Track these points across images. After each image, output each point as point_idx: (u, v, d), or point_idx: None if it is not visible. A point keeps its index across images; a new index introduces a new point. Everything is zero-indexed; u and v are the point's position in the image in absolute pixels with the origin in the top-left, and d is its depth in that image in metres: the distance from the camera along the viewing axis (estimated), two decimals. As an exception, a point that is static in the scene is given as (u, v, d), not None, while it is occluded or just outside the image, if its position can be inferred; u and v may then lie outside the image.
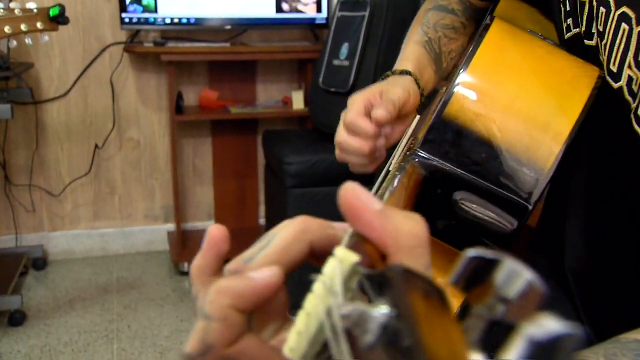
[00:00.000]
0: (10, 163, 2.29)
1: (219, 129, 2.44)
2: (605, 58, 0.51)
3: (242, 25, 2.30)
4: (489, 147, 0.53)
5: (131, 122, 2.38)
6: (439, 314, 0.17)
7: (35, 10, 1.49)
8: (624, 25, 0.47)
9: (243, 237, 2.46)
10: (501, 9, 0.75)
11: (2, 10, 1.44)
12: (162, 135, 2.42)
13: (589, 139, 0.53)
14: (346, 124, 0.63)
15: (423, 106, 0.72)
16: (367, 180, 1.75)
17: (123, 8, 2.14)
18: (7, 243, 2.31)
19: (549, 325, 0.15)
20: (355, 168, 0.67)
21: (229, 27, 2.26)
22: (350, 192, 0.24)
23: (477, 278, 0.19)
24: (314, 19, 2.32)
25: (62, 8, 1.52)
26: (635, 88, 0.47)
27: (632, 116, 0.47)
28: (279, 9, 2.28)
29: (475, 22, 0.79)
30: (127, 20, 2.15)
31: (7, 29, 1.44)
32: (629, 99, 0.48)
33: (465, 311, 0.18)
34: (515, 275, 0.18)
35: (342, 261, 0.21)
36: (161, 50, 2.14)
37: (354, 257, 0.21)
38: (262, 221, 2.53)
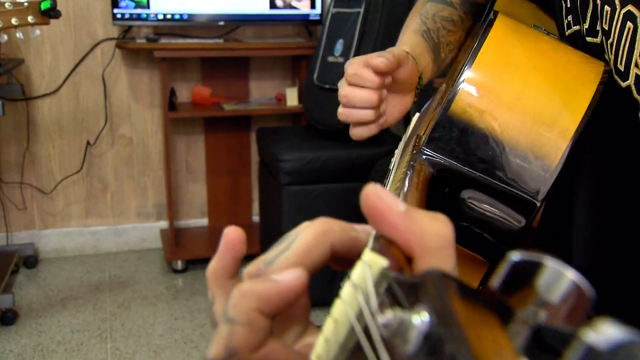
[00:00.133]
0: (0, 160, 2.26)
1: (212, 126, 2.43)
2: (612, 57, 0.50)
3: (235, 21, 2.28)
4: (495, 144, 0.52)
5: (123, 119, 2.36)
6: (483, 320, 0.17)
7: (26, 4, 1.47)
8: (629, 24, 0.47)
9: (236, 234, 2.44)
10: (500, 4, 0.75)
11: (-8, 5, 1.42)
12: (155, 132, 2.40)
13: (593, 136, 0.53)
14: (349, 77, 0.61)
15: (419, 94, 0.72)
16: (366, 176, 1.73)
17: (115, 3, 2.12)
18: (-2, 241, 2.29)
19: (609, 331, 0.14)
20: (358, 130, 0.65)
21: (222, 23, 2.25)
22: (373, 194, 0.23)
23: (519, 281, 0.18)
24: (307, 15, 2.31)
25: (54, 1, 1.49)
26: None
27: None
28: (273, 5, 2.27)
29: (472, 17, 0.79)
30: (118, 16, 2.13)
31: (-3, 24, 1.42)
32: (637, 97, 0.48)
33: (508, 315, 0.18)
34: (558, 277, 0.17)
35: (371, 265, 0.21)
36: (154, 46, 2.12)
37: (383, 261, 0.21)
38: (256, 218, 2.52)
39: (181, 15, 2.19)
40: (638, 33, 0.47)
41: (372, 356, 0.17)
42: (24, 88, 2.11)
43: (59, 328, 1.88)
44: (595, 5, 0.51)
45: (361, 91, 0.61)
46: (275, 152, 1.91)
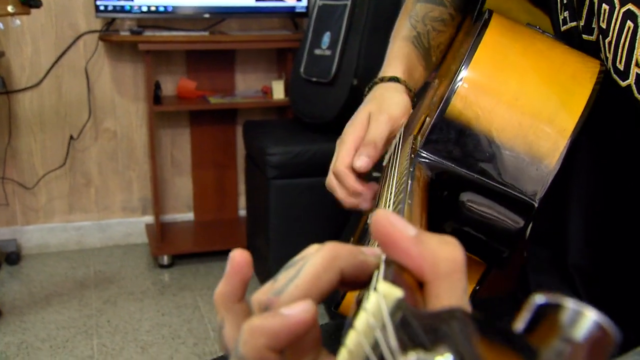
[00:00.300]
0: (-20, 155, 2.22)
1: (197, 119, 2.40)
2: (611, 56, 0.50)
3: (221, 13, 2.26)
4: (492, 146, 0.52)
5: (107, 113, 2.32)
6: None
7: (7, -5, 1.43)
8: (629, 23, 0.47)
9: (223, 228, 2.44)
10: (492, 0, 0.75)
11: (-29, -3, 1.38)
12: (139, 125, 2.37)
13: (590, 136, 0.53)
14: (334, 172, 0.65)
15: (413, 105, 0.72)
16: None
17: (97, -5, 2.08)
18: (-21, 237, 2.25)
19: None
20: None
21: (207, 16, 2.22)
22: (384, 220, 0.23)
23: (543, 322, 0.18)
24: (293, 8, 2.30)
25: (35, -8, 1.46)
26: None
27: None
28: (258, -3, 2.25)
29: (462, 13, 0.79)
30: (101, 8, 2.09)
31: (-23, 16, 1.38)
32: (639, 97, 0.48)
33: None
34: (580, 317, 0.18)
35: (385, 296, 0.21)
36: (138, 39, 2.09)
37: (397, 292, 0.21)
38: (242, 212, 2.51)
39: (165, 7, 2.15)
40: (638, 32, 0.47)
41: None
42: (4, 81, 2.06)
43: (44, 325, 1.86)
44: (591, 3, 0.51)
45: (340, 191, 0.66)
46: (262, 146, 1.90)
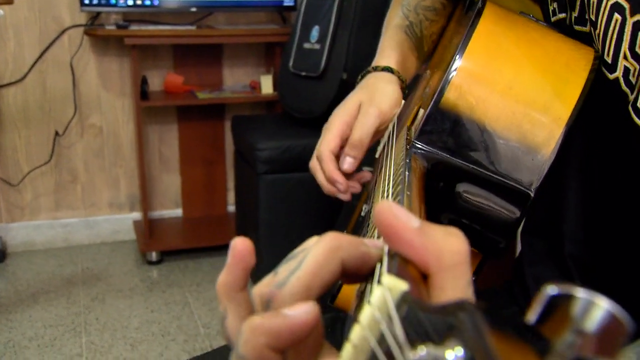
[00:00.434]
0: (-37, 152, 2.18)
1: (185, 115, 2.38)
2: (599, 48, 0.50)
3: (208, 7, 2.23)
4: (487, 135, 0.52)
5: (93, 108, 2.29)
6: (519, 354, 0.16)
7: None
8: (616, 15, 0.47)
9: (211, 224, 2.42)
10: None
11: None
12: (126, 121, 2.34)
13: (582, 126, 0.53)
14: (317, 154, 0.66)
15: (405, 96, 0.72)
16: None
17: (82, -12, 2.04)
18: (-37, 235, 2.21)
19: None
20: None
21: (193, 10, 2.20)
22: (387, 211, 0.23)
23: (555, 313, 0.18)
24: (281, 1, 2.28)
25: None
26: (632, 79, 0.47)
27: (631, 108, 0.47)
28: (246, -9, 2.23)
29: (454, 2, 0.78)
30: (86, 2, 2.06)
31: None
32: (626, 90, 0.48)
33: (543, 347, 0.17)
34: (592, 307, 0.17)
35: (391, 289, 0.20)
36: (124, 33, 2.06)
37: (402, 285, 0.20)
38: (231, 208, 2.49)
39: (151, 1, 2.13)
40: (626, 25, 0.46)
41: None
42: (-13, 76, 2.03)
43: (31, 323, 1.84)
44: None
45: (320, 176, 0.66)
46: (251, 141, 1.89)
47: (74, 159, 2.32)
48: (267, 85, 2.26)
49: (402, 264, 0.22)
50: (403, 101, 0.80)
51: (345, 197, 0.66)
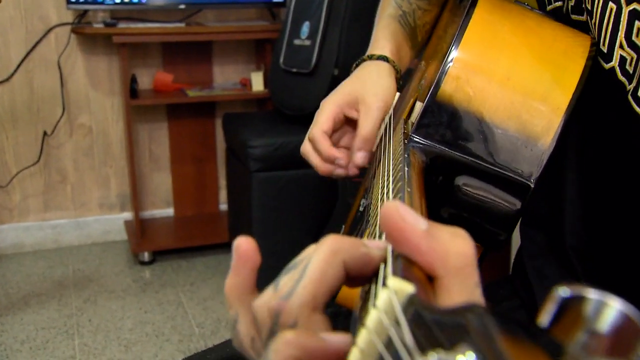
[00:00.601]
0: (-51, 153, 2.14)
1: (175, 113, 2.36)
2: (595, 37, 0.50)
3: (197, 4, 2.21)
4: (485, 127, 0.51)
5: (81, 107, 2.27)
6: (533, 358, 0.16)
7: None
8: (611, 4, 0.47)
9: (204, 223, 2.40)
10: None
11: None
12: (115, 120, 2.32)
13: (579, 116, 0.52)
14: (309, 137, 0.63)
15: (400, 87, 0.71)
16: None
17: (68, -14, 2.02)
18: (-49, 238, 2.18)
19: None
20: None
21: (182, 7, 2.18)
22: (394, 213, 0.22)
23: (567, 315, 0.18)
24: (271, -2, 2.27)
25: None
26: (629, 68, 0.47)
27: (630, 97, 0.47)
28: (235, -13, 2.21)
29: None
30: (73, 0, 2.03)
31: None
32: (623, 79, 0.47)
33: (556, 350, 0.17)
34: (605, 308, 0.17)
35: (397, 292, 0.20)
36: (112, 31, 2.04)
37: (409, 288, 0.20)
38: (223, 207, 2.48)
39: (139, -2, 2.10)
40: (622, 14, 0.46)
41: None
42: (-27, 76, 2.00)
43: (22, 326, 1.81)
44: None
45: (314, 158, 0.64)
46: (243, 139, 1.88)
47: (63, 159, 2.29)
48: (257, 83, 2.24)
49: (407, 265, 0.22)
50: (398, 93, 0.79)
51: (343, 172, 0.63)
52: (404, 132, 0.56)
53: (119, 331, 1.79)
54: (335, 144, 0.65)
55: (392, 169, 0.49)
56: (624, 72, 0.47)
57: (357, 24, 1.81)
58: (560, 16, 0.55)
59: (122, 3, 2.09)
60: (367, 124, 0.62)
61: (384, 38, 0.69)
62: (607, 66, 0.49)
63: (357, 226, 0.67)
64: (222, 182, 2.46)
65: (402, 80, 0.72)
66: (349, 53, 1.81)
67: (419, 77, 0.72)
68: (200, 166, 2.44)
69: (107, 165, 2.35)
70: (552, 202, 0.58)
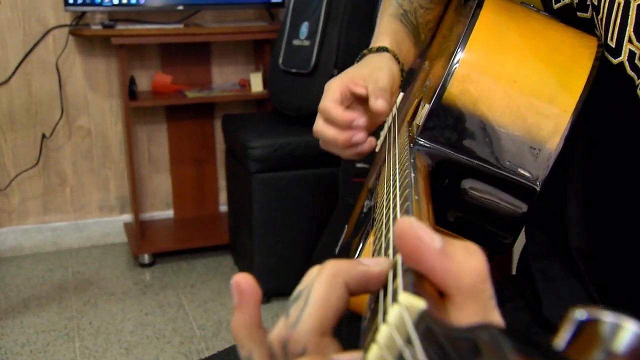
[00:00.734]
0: (-52, 156, 2.14)
1: (174, 114, 2.36)
2: (602, 33, 0.50)
3: (195, 5, 2.21)
4: (491, 131, 0.51)
5: (80, 110, 2.26)
6: None
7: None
8: None
9: (204, 225, 2.40)
10: None
11: None
12: (114, 122, 2.31)
13: (585, 115, 0.52)
14: (320, 111, 0.60)
15: (405, 82, 0.70)
16: (337, 162, 1.69)
17: (66, -12, 2.01)
18: (-50, 242, 2.17)
19: None
20: (342, 155, 0.64)
21: (180, 8, 2.17)
22: (410, 232, 0.22)
23: (582, 337, 0.18)
24: (269, -2, 2.26)
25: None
26: (639, 63, 0.46)
27: (639, 92, 0.46)
28: (233, -12, 2.20)
29: None
30: (71, 1, 2.02)
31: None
32: (632, 74, 0.47)
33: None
34: (620, 330, 0.17)
35: (408, 308, 0.20)
36: (110, 33, 2.03)
37: (420, 303, 0.20)
38: (223, 208, 2.47)
39: (137, -1, 2.10)
40: (630, 8, 0.46)
41: None
42: (-29, 79, 1.99)
43: (22, 329, 1.81)
44: None
45: (328, 130, 0.60)
46: (243, 140, 1.87)
47: (62, 161, 2.28)
48: (256, 83, 2.24)
49: (418, 280, 0.22)
50: (402, 93, 0.78)
51: (363, 137, 0.59)
52: (409, 135, 0.55)
53: (120, 334, 1.79)
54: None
55: (399, 173, 0.48)
56: (633, 66, 0.47)
57: (356, 24, 1.81)
58: (567, 14, 0.54)
59: (120, 4, 2.09)
60: (376, 82, 0.59)
61: (384, 34, 0.69)
62: (615, 61, 0.48)
63: (361, 227, 0.67)
64: (222, 183, 2.46)
65: (406, 77, 0.71)
66: (348, 53, 1.80)
67: (423, 77, 0.72)
68: (199, 167, 2.44)
69: (106, 167, 2.34)
70: (555, 203, 0.58)
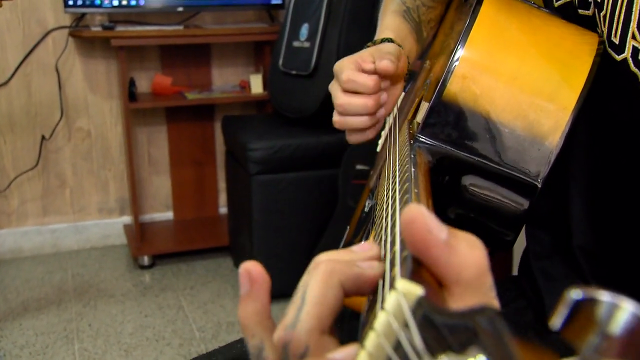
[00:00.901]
0: (-53, 158, 2.13)
1: (174, 116, 2.35)
2: (606, 30, 0.49)
3: (194, 6, 2.21)
4: (492, 127, 0.51)
5: (80, 111, 2.26)
6: None
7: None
8: None
9: (203, 227, 2.39)
10: None
11: None
12: (114, 124, 2.31)
13: (587, 112, 0.52)
14: (344, 83, 0.58)
15: (406, 80, 0.70)
16: (337, 164, 1.69)
17: (66, -11, 2.01)
18: (-51, 244, 2.17)
19: None
20: (354, 136, 0.62)
21: (180, 9, 2.17)
22: (420, 220, 0.22)
23: (579, 317, 0.18)
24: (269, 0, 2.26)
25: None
26: None
27: None
28: (233, -10, 2.20)
29: None
30: (70, 3, 2.02)
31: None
32: (635, 70, 0.47)
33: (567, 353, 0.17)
34: (617, 310, 0.17)
35: (405, 294, 0.20)
36: (110, 35, 2.03)
37: (418, 290, 0.20)
38: (222, 210, 2.47)
39: (137, 1, 2.10)
40: (634, 4, 0.46)
41: None
42: (-30, 81, 1.99)
43: (22, 331, 1.80)
44: None
45: (357, 98, 0.58)
46: (243, 141, 1.87)
47: (61, 163, 2.28)
48: (256, 85, 2.24)
49: (416, 267, 0.22)
50: (403, 93, 0.78)
51: (390, 105, 0.59)
52: (409, 133, 0.55)
53: (119, 336, 1.78)
54: None
55: (399, 170, 0.48)
56: (637, 62, 0.47)
57: (356, 25, 1.80)
58: (569, 11, 0.54)
59: (120, 6, 2.09)
60: (385, 50, 0.59)
61: (388, 29, 0.69)
62: (618, 58, 0.48)
63: (362, 227, 0.66)
64: (222, 185, 2.45)
65: (407, 78, 0.71)
66: (349, 54, 1.80)
67: (423, 77, 0.72)
68: (199, 169, 2.43)
69: (106, 169, 2.34)
70: (557, 201, 0.57)
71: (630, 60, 0.47)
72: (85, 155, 2.30)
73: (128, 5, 2.10)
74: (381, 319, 0.20)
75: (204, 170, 2.44)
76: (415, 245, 0.22)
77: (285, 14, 2.09)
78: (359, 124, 0.59)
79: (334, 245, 0.74)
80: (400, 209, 0.31)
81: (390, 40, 0.65)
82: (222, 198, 2.47)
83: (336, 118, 0.60)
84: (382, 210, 0.45)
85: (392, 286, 0.21)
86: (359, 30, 1.80)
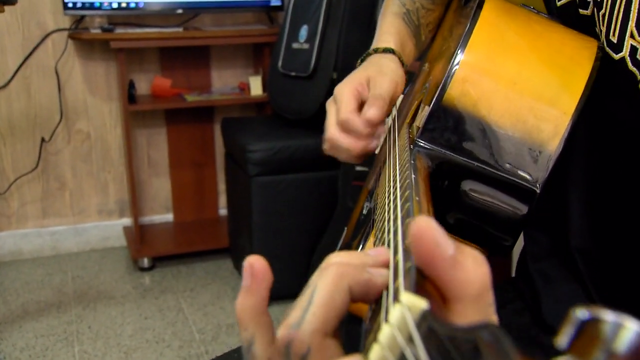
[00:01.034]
0: (-53, 161, 2.13)
1: (173, 118, 2.36)
2: (604, 29, 0.50)
3: (194, 8, 2.21)
4: (491, 132, 0.51)
5: (79, 113, 2.26)
6: None
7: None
8: None
9: (203, 228, 2.40)
10: None
11: None
12: (113, 126, 2.31)
13: (587, 113, 0.52)
14: (340, 121, 0.59)
15: (405, 80, 0.70)
16: (337, 165, 1.69)
17: (65, -8, 2.01)
18: (-51, 246, 2.17)
19: None
20: (343, 160, 0.64)
21: (180, 11, 2.17)
22: (429, 234, 0.22)
23: (584, 336, 0.18)
24: (268, 1, 2.26)
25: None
26: None
27: None
28: (232, -8, 2.21)
29: None
30: (70, 5, 2.02)
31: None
32: (634, 69, 0.47)
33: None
34: (621, 329, 0.17)
35: (410, 308, 0.20)
36: (110, 37, 2.03)
37: (422, 303, 0.20)
38: (222, 212, 2.47)
39: (136, 3, 2.10)
40: (633, 3, 0.46)
41: None
42: (-30, 83, 1.99)
43: (22, 334, 1.80)
44: None
45: (347, 140, 0.59)
46: (242, 143, 1.87)
47: (61, 165, 2.28)
48: (256, 87, 2.24)
49: (420, 280, 0.22)
50: (401, 95, 0.78)
51: (376, 142, 0.59)
52: (409, 137, 0.55)
53: (119, 338, 1.78)
54: None
55: (399, 175, 0.48)
56: (635, 61, 0.47)
57: (356, 27, 1.81)
58: (568, 12, 0.54)
59: (119, 8, 2.09)
60: (375, 89, 0.59)
61: (388, 33, 0.69)
62: (617, 57, 0.48)
63: (360, 229, 0.66)
64: (222, 186, 2.45)
65: (406, 79, 0.71)
66: (348, 56, 1.80)
67: (422, 79, 0.72)
68: (199, 171, 2.43)
69: (105, 171, 2.34)
70: (556, 204, 0.57)
71: (628, 59, 0.47)
72: (85, 157, 2.30)
73: (127, 8, 2.10)
74: (385, 332, 0.20)
75: (203, 172, 2.44)
76: (422, 259, 0.22)
77: (284, 16, 2.09)
78: (346, 159, 0.61)
79: (333, 247, 0.74)
80: (403, 217, 0.32)
81: (391, 52, 0.65)
82: (222, 200, 2.47)
83: (325, 147, 0.63)
84: (383, 214, 0.45)
85: (396, 298, 0.21)
86: (358, 32, 1.80)
